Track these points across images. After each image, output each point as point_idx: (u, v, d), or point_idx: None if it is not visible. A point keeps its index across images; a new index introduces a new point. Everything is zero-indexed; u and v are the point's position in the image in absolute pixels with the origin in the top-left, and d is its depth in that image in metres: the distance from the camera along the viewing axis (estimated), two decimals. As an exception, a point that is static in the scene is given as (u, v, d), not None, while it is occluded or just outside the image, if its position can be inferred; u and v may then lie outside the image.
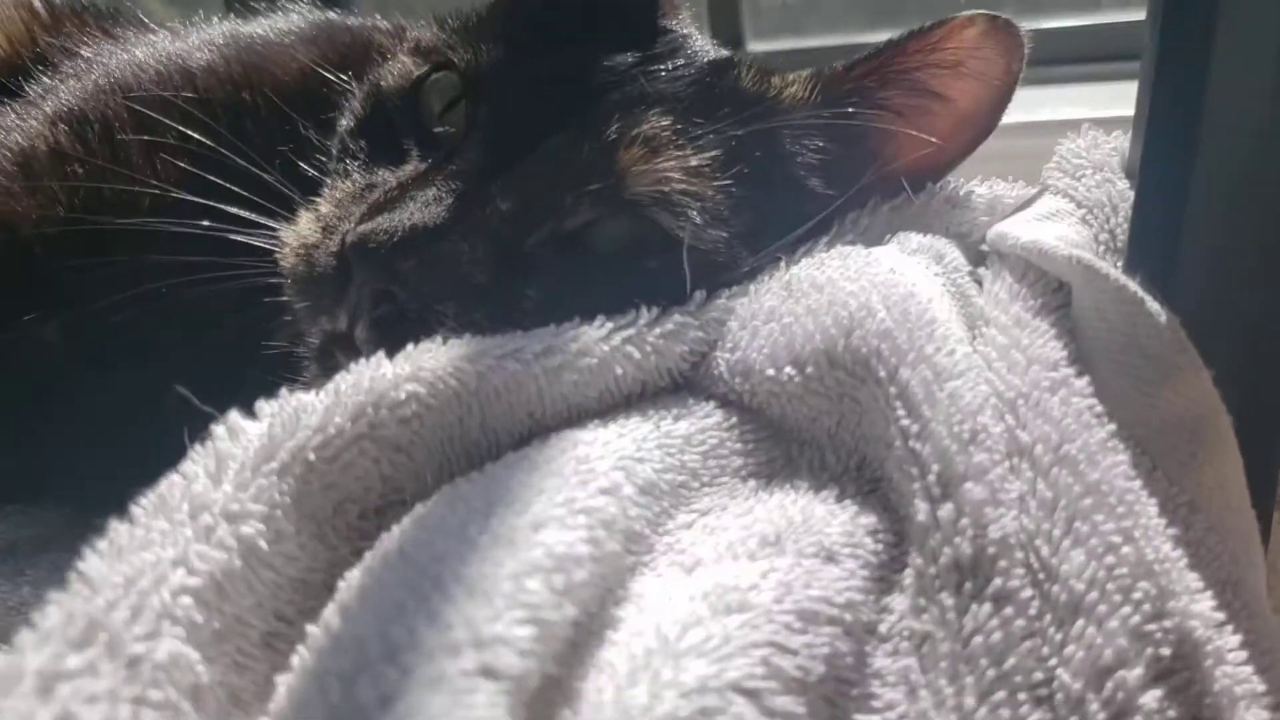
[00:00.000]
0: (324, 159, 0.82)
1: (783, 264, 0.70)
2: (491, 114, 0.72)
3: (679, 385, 0.66)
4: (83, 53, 0.94)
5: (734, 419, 0.62)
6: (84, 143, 0.86)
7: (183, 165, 0.83)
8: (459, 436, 0.57)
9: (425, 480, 0.56)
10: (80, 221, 0.83)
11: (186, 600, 0.44)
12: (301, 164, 0.82)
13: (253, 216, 0.76)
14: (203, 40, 0.95)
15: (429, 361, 0.57)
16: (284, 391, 0.57)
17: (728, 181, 0.71)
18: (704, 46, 0.81)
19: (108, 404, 0.83)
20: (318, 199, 0.76)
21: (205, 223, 0.75)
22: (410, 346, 0.59)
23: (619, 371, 0.62)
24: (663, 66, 0.76)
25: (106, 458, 0.74)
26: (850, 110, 0.75)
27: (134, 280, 0.79)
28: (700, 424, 0.61)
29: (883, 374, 0.56)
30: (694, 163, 0.70)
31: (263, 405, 0.55)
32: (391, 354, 0.59)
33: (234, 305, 0.78)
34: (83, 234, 0.82)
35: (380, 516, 0.55)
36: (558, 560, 0.45)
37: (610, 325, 0.63)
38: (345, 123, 0.82)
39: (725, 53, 0.82)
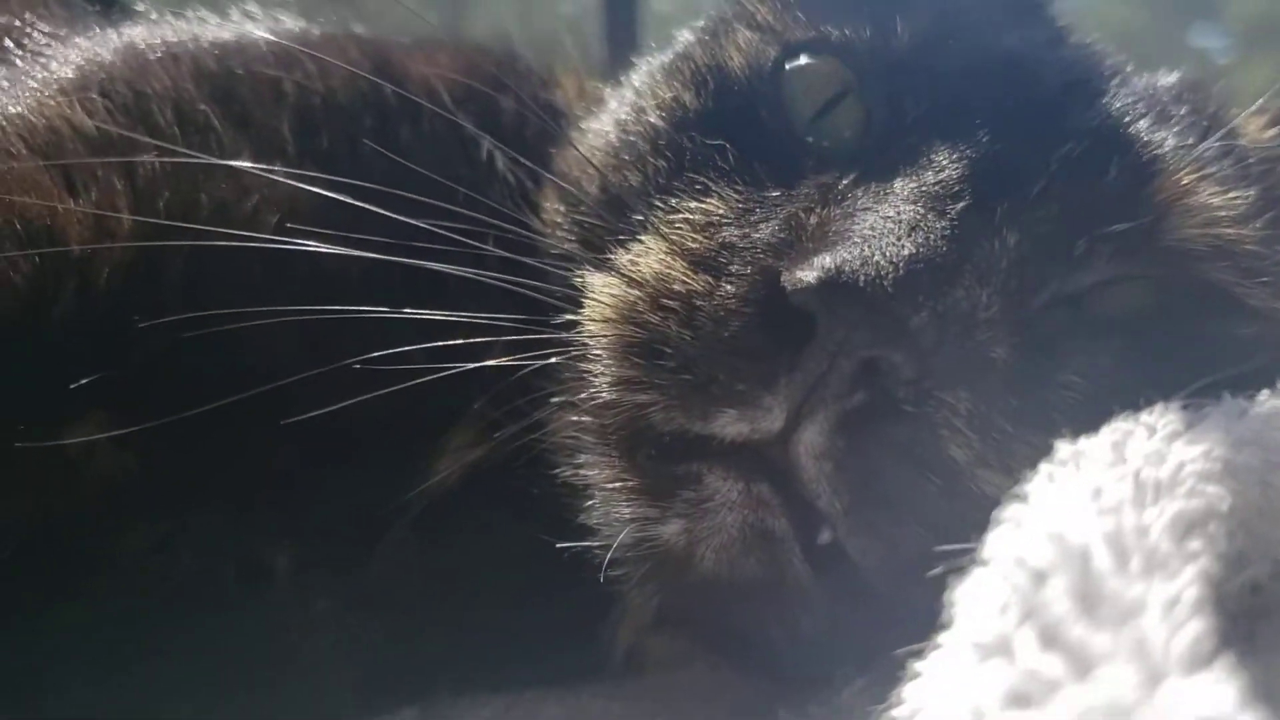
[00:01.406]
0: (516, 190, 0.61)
1: None
2: (938, 105, 0.53)
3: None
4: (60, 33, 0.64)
5: None
6: (149, 125, 0.56)
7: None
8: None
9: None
10: (167, 238, 0.52)
11: None
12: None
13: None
14: (282, 29, 0.67)
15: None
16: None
17: (1268, 232, 0.53)
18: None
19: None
20: (651, 231, 0.53)
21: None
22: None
23: None
24: (1126, 72, 0.60)
25: None
26: None
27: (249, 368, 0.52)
28: None
29: None
30: (1238, 201, 0.52)
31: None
32: (863, 477, 0.44)
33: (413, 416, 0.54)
34: (173, 272, 0.53)
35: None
36: None
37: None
38: (655, 119, 0.58)
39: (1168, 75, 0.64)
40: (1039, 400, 0.47)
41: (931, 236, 0.45)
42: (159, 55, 0.60)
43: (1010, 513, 0.38)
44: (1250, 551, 0.38)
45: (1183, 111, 0.57)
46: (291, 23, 0.67)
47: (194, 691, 0.54)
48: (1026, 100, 0.53)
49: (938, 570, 0.40)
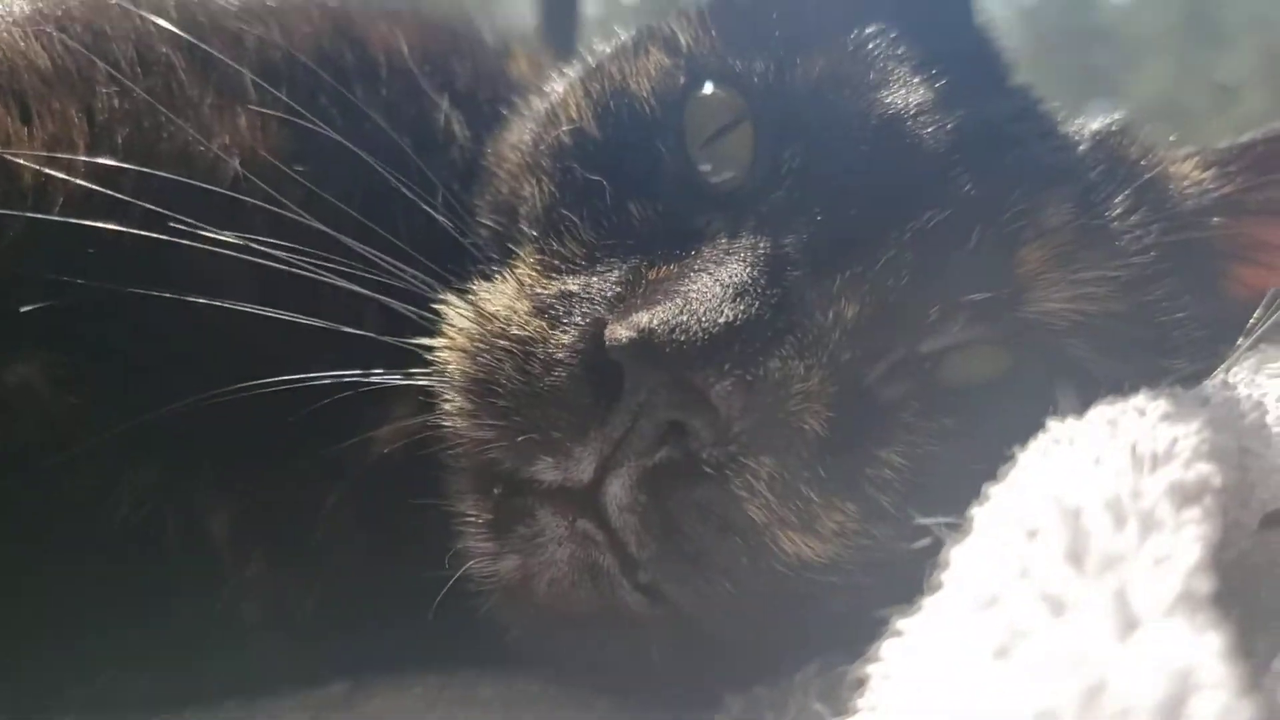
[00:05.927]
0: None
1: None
2: (811, 160, 0.51)
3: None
4: None
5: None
6: (108, 63, 0.54)
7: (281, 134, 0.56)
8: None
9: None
10: (124, 176, 0.51)
11: None
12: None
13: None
14: None
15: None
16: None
17: (1151, 297, 0.52)
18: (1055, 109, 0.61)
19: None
20: (514, 259, 0.54)
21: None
22: None
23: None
24: (1041, 128, 0.57)
25: None
26: (1242, 197, 0.58)
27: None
28: None
29: None
30: (1116, 271, 0.51)
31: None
32: (665, 531, 0.44)
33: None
34: (132, 210, 0.50)
35: None
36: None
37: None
38: (561, 135, 0.57)
39: (1099, 120, 0.61)
40: (851, 473, 0.47)
41: (757, 304, 0.45)
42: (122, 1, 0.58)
43: (1001, 486, 0.38)
44: (1232, 531, 0.38)
45: (1097, 165, 0.55)
46: None
47: (124, 648, 0.53)
48: (901, 162, 0.51)
49: (924, 542, 0.40)
